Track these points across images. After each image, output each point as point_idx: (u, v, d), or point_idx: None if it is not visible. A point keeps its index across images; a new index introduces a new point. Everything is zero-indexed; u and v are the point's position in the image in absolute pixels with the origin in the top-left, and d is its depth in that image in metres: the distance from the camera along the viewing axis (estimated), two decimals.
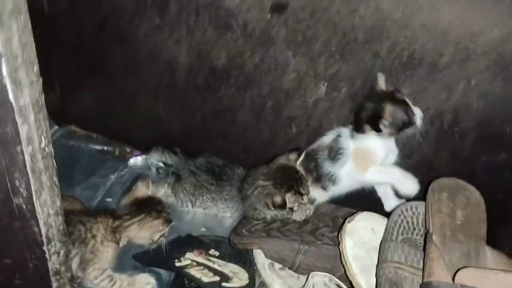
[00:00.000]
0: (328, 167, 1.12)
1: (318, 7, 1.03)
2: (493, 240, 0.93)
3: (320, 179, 1.15)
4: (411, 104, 1.02)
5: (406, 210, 1.00)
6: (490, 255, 0.89)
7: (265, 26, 1.09)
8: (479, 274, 0.80)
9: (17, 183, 0.56)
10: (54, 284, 0.72)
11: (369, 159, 1.08)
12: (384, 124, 1.03)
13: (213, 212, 1.27)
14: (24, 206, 0.58)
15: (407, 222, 0.99)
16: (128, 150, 1.48)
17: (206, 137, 1.34)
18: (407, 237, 0.97)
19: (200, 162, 1.28)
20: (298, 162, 1.14)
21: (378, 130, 1.03)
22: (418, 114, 1.02)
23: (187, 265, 1.04)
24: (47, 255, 0.63)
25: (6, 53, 0.50)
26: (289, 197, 1.09)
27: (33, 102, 0.59)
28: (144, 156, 1.41)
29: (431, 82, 1.02)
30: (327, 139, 1.15)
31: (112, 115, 1.45)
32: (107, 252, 1.02)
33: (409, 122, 1.02)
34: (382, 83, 1.04)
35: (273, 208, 1.10)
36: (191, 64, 1.21)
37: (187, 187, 1.27)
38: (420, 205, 1.00)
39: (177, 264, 1.05)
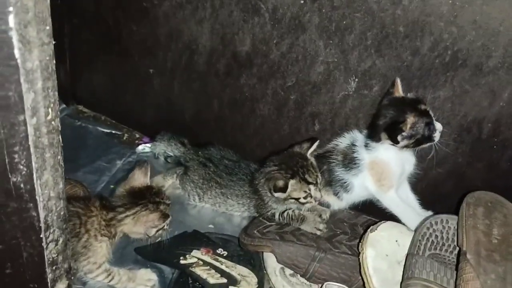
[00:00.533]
0: (340, 173, 1.06)
1: None
2: None
3: (332, 184, 1.08)
4: (433, 118, 0.95)
5: (436, 223, 0.92)
6: None
7: (297, 12, 1.01)
8: None
9: (16, 158, 0.49)
10: (50, 276, 0.64)
11: (387, 175, 1.01)
12: (403, 136, 0.95)
13: (222, 210, 1.19)
14: (22, 186, 0.51)
15: (436, 237, 0.91)
16: (137, 135, 1.40)
17: (221, 127, 1.26)
18: (435, 253, 0.89)
19: (211, 154, 1.20)
20: (310, 151, 1.06)
21: (395, 141, 0.96)
22: (438, 130, 0.95)
23: (192, 263, 0.96)
24: (43, 243, 0.56)
25: (16, 3, 0.42)
26: (292, 184, 1.01)
27: (42, 67, 0.52)
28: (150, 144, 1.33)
29: (473, 86, 0.94)
30: (342, 143, 1.07)
31: (124, 97, 1.38)
32: (101, 248, 0.93)
33: (429, 138, 0.95)
34: (399, 88, 0.96)
35: (274, 194, 1.02)
36: (212, 47, 1.13)
37: (195, 179, 1.19)
38: (452, 218, 0.92)
39: (182, 262, 0.97)
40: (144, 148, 1.35)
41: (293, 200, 1.03)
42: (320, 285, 0.98)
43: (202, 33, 1.12)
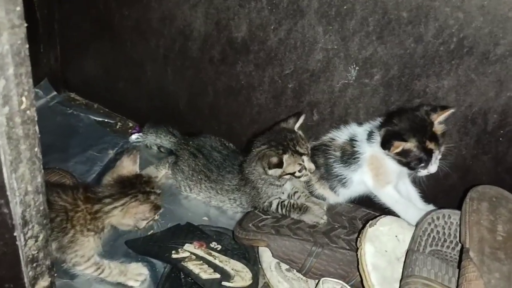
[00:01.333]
0: (339, 169, 1.03)
1: None
2: None
3: (329, 178, 1.04)
4: (439, 149, 0.92)
5: (438, 218, 0.89)
6: None
7: None
8: None
9: None
10: (30, 273, 0.61)
11: (384, 170, 0.98)
12: (390, 149, 0.92)
13: (213, 204, 1.15)
14: None
15: (438, 232, 0.88)
16: (130, 124, 1.36)
17: (216, 116, 1.22)
18: (437, 249, 0.86)
19: (201, 144, 1.15)
20: (297, 125, 1.03)
21: (383, 148, 0.93)
22: (428, 171, 0.93)
23: (185, 257, 0.93)
24: (18, 241, 0.52)
25: None
26: (286, 158, 0.98)
27: (13, 51, 0.48)
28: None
29: (479, 75, 0.89)
30: (339, 138, 1.03)
31: (116, 85, 1.34)
32: (88, 242, 0.89)
33: (413, 168, 0.93)
34: (437, 116, 0.91)
35: (269, 171, 0.98)
36: (207, 33, 1.08)
37: (185, 170, 1.14)
38: (454, 213, 0.88)
39: (174, 256, 0.94)
40: (137, 137, 1.31)
41: (288, 176, 1.00)
42: (316, 280, 0.95)
43: (196, 17, 1.07)
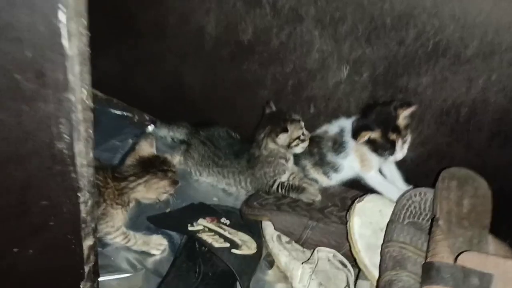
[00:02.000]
0: (331, 157, 1.19)
1: None
2: (497, 231, 0.97)
3: (322, 165, 1.21)
4: (402, 140, 1.06)
5: (415, 195, 1.03)
6: (492, 243, 0.93)
7: (295, 4, 1.11)
8: (480, 258, 0.84)
9: (61, 128, 0.60)
10: (81, 232, 0.76)
11: (366, 158, 1.14)
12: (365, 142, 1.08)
13: (220, 186, 1.30)
14: (65, 152, 0.62)
15: (415, 207, 1.03)
16: (147, 118, 1.51)
17: (228, 108, 1.37)
18: (414, 221, 1.01)
19: (210, 134, 1.31)
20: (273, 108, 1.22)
21: (354, 138, 1.09)
22: (394, 158, 1.08)
23: (199, 230, 1.08)
24: (79, 201, 0.67)
25: (64, 1, 0.53)
26: (289, 125, 1.16)
27: (79, 54, 0.62)
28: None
29: (452, 73, 1.05)
30: (331, 130, 1.19)
31: (133, 80, 1.48)
32: (117, 214, 1.05)
33: (385, 151, 1.08)
34: (402, 111, 1.06)
35: (279, 139, 1.16)
36: (218, 35, 1.23)
37: (195, 156, 1.30)
38: (429, 191, 1.03)
39: (190, 229, 1.09)
40: (153, 128, 1.46)
41: (295, 143, 1.17)
42: (312, 250, 1.10)
43: (208, 21, 1.22)
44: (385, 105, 1.08)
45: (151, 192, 1.05)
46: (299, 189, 1.16)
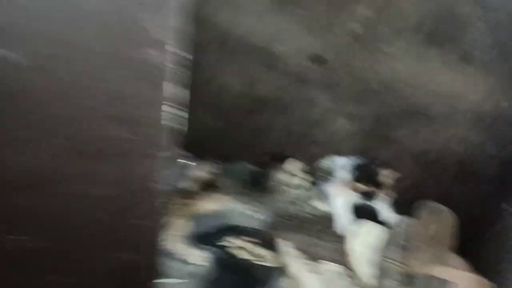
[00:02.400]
0: None
1: (346, 62, 1.36)
2: (463, 250, 1.27)
3: None
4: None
5: (400, 223, 1.34)
6: (454, 260, 1.23)
7: (303, 70, 1.42)
8: (445, 270, 1.14)
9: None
10: None
11: None
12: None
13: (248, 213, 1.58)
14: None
15: (400, 231, 1.33)
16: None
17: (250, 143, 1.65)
18: (399, 242, 1.31)
19: (230, 169, 1.60)
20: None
21: None
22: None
23: (228, 245, 1.36)
24: None
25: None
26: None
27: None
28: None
29: (423, 127, 1.37)
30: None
31: None
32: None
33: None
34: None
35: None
36: (241, 91, 1.53)
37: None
38: (408, 219, 1.33)
39: (224, 244, 1.36)
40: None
41: None
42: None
43: (234, 81, 1.52)
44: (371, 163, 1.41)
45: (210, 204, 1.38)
46: None
